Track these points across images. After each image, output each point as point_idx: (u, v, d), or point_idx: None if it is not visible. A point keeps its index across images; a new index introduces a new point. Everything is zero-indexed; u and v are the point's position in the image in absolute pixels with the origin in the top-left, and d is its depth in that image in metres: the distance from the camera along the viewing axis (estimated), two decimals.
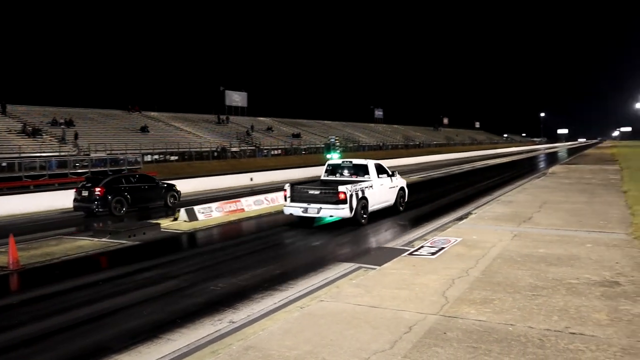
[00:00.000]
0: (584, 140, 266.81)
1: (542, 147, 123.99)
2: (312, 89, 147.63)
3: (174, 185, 19.12)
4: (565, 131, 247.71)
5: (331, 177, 13.96)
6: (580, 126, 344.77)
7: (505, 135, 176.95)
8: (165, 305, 7.48)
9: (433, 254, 8.77)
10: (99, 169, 30.34)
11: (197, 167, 37.12)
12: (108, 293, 8.15)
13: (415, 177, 30.59)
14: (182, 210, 15.36)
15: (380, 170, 14.00)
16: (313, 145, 59.25)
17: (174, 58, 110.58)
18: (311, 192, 12.28)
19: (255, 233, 13.43)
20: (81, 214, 16.82)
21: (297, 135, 64.07)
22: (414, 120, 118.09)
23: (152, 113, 55.09)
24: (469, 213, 14.40)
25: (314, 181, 14.17)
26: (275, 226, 14.27)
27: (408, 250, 9.43)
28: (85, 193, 16.64)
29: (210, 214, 15.65)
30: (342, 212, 11.95)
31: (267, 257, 10.48)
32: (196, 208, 15.58)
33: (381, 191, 13.60)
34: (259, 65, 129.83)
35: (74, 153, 34.49)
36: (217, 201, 16.72)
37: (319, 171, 19.29)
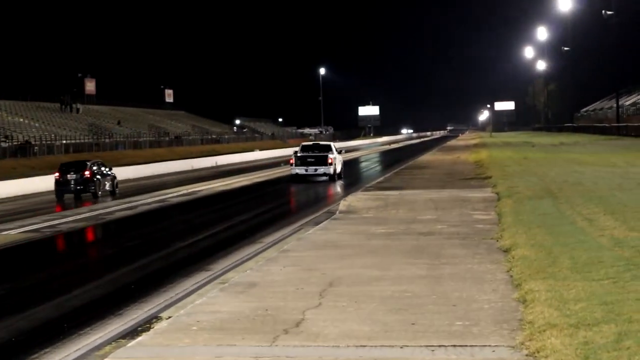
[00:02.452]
0: (412, 132, 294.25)
1: None
2: None
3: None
4: (373, 112, 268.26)
5: (305, 153, 51.98)
6: (410, 102, 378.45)
7: (238, 122, 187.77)
8: None
9: None
10: None
11: None
12: None
13: None
14: None
15: (336, 149, 53.79)
16: None
17: None
18: (309, 159, 51.00)
19: None
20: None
21: None
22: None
23: None
24: (156, 318, 14.67)
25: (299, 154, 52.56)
26: None
27: None
28: (71, 176, 43.57)
29: None
30: (329, 170, 50.60)
31: None
32: None
33: (338, 161, 52.40)
34: None
35: None
36: None
37: None
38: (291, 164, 51.45)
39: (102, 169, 46.20)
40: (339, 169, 52.43)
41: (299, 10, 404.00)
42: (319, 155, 50.99)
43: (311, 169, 50.26)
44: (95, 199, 43.81)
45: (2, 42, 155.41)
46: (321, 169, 50.25)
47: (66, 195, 44.18)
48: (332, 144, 55.17)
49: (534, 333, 10.81)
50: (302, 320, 12.54)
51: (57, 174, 44.42)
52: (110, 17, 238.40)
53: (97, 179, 44.57)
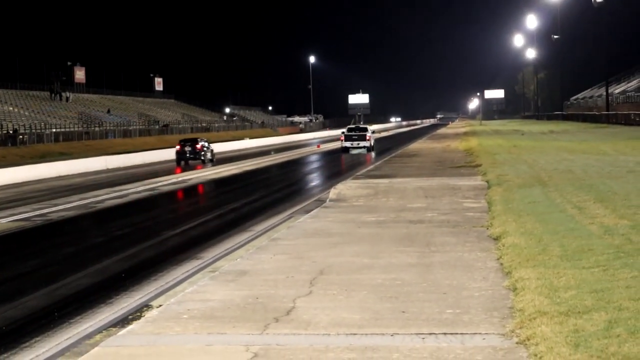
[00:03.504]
0: (401, 120, 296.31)
1: (299, 140, 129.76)
2: None
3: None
4: (363, 100, 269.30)
5: (350, 133, 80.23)
6: (400, 90, 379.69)
7: (228, 111, 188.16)
8: None
9: None
10: None
11: None
12: None
13: None
14: None
15: (371, 130, 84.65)
16: None
17: None
18: (354, 137, 79.25)
19: None
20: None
21: None
22: None
23: None
24: (146, 307, 14.61)
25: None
26: None
27: None
28: (187, 148, 64.31)
29: None
30: (367, 144, 78.26)
31: None
32: None
33: (373, 138, 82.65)
34: None
35: None
36: None
37: None
38: (341, 140, 76.58)
39: (206, 144, 64.89)
40: (372, 144, 77.08)
41: None
42: (360, 134, 76.02)
43: (355, 143, 74.80)
44: (203, 164, 62.21)
45: None
46: (362, 143, 74.66)
47: (182, 161, 62.60)
48: (368, 126, 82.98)
49: (524, 321, 10.85)
50: (293, 308, 12.55)
51: (178, 147, 63.70)
52: (99, 4, 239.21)
53: (204, 151, 63.28)
